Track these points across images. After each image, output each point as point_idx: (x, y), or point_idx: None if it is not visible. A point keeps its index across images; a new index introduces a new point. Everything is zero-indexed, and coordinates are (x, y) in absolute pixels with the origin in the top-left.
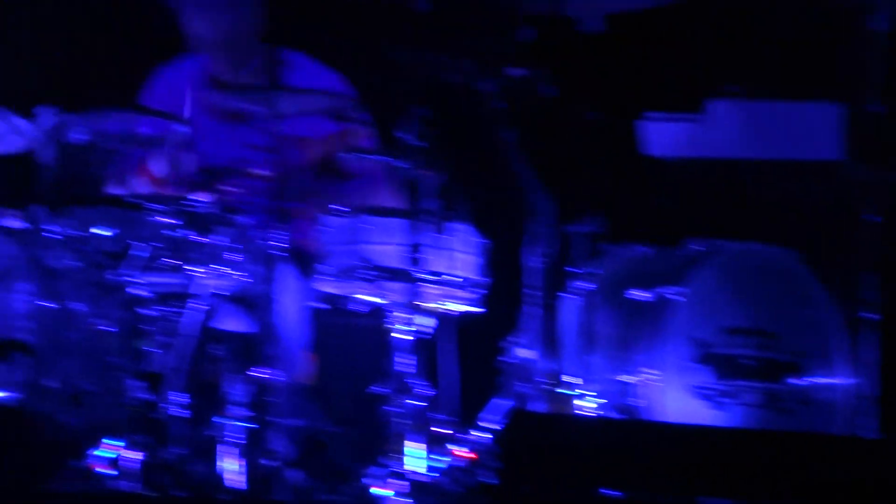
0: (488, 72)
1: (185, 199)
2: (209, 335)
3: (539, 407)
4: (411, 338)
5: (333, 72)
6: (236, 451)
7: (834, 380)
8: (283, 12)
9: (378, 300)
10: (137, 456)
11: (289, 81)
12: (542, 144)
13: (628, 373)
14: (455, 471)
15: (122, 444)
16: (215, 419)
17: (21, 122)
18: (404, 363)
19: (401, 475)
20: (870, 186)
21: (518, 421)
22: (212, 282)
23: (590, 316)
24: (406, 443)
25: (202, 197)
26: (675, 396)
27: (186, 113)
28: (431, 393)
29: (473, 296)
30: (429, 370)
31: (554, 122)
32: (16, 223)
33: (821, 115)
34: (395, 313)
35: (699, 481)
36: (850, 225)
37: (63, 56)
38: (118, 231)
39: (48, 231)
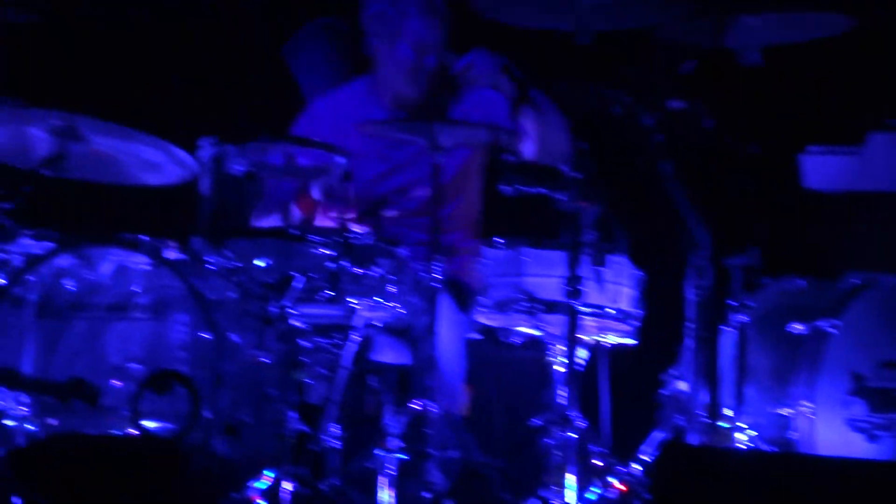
0: (648, 104)
1: (345, 230)
2: (366, 367)
3: (694, 439)
4: (567, 370)
5: (500, 99)
6: (392, 482)
7: None
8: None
9: (535, 332)
10: (293, 487)
11: (458, 109)
12: (701, 177)
13: (784, 405)
14: (609, 502)
15: (278, 475)
16: (371, 450)
17: (182, 154)
18: (560, 395)
19: None
20: None
21: (672, 453)
22: (370, 313)
23: (746, 348)
24: (561, 474)
25: (361, 228)
26: (830, 429)
27: (346, 143)
28: (586, 425)
29: (630, 328)
30: (584, 402)
31: (713, 155)
32: (175, 254)
33: None
34: (551, 345)
35: None
36: None
37: (223, 87)
38: (277, 262)
39: (207, 262)
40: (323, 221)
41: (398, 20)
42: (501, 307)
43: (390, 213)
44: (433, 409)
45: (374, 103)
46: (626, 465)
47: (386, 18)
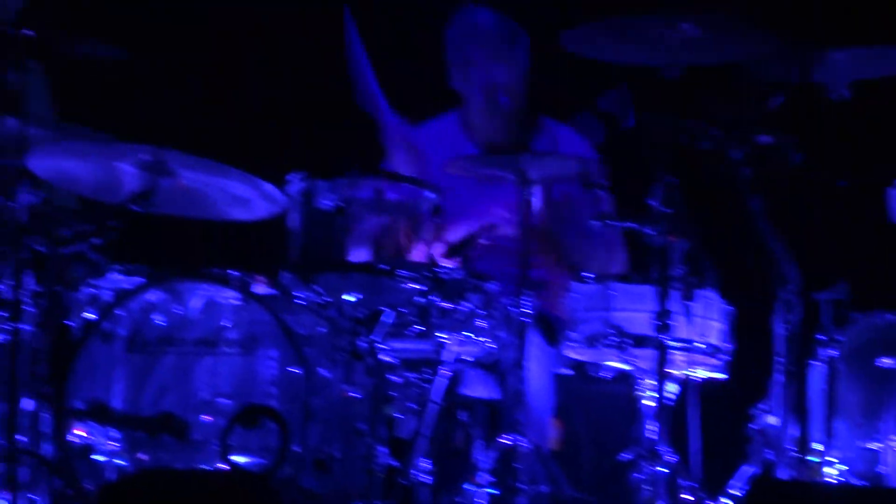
0: (737, 139)
1: (434, 264)
2: (456, 401)
3: (783, 474)
4: (657, 404)
5: (581, 136)
6: None
7: None
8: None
9: (624, 366)
10: None
11: (539, 145)
12: (790, 211)
13: (873, 440)
14: None
15: None
16: (461, 485)
17: (270, 189)
18: (649, 429)
19: None
20: None
21: (762, 487)
22: (459, 348)
23: (835, 383)
24: None
25: (451, 263)
26: None
27: (434, 178)
28: (676, 459)
29: (719, 362)
30: (674, 436)
31: (801, 189)
32: (265, 289)
33: None
34: (641, 380)
35: None
36: None
37: (313, 121)
38: (366, 297)
39: (297, 297)
40: (414, 255)
41: (467, 64)
42: (591, 341)
43: (479, 248)
44: (522, 443)
45: (465, 138)
46: (716, 500)
47: (457, 62)
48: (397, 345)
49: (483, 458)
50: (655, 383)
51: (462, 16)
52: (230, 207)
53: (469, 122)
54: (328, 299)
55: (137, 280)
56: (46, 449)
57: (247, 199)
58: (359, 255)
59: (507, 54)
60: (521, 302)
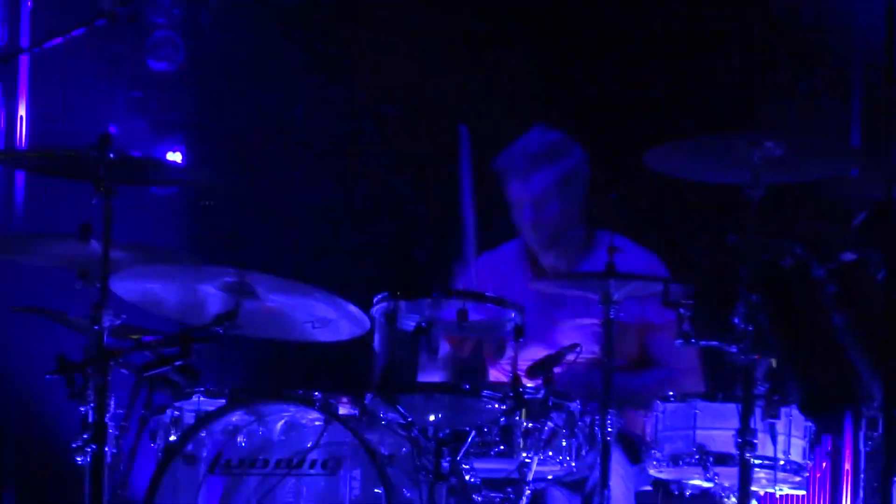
0: (820, 256)
1: (517, 384)
2: None
3: None
4: None
5: (652, 253)
6: None
7: None
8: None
9: (707, 484)
10: None
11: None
12: (873, 328)
13: None
14: None
15: None
16: None
17: (355, 311)
18: None
19: None
20: None
21: None
22: (542, 467)
23: None
24: None
25: (533, 382)
26: None
27: (510, 297)
28: None
29: (801, 479)
30: None
31: (885, 305)
32: (348, 409)
33: None
34: (724, 498)
35: None
36: None
37: (397, 242)
38: (449, 417)
39: (380, 417)
40: (497, 375)
41: (504, 181)
42: (674, 460)
43: (561, 367)
44: None
45: (524, 261)
46: None
47: (499, 179)
48: (480, 465)
49: None
50: (738, 501)
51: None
52: (314, 329)
53: (523, 247)
54: (411, 419)
55: (220, 402)
56: None
57: (331, 320)
58: (443, 374)
59: (537, 168)
60: (605, 421)
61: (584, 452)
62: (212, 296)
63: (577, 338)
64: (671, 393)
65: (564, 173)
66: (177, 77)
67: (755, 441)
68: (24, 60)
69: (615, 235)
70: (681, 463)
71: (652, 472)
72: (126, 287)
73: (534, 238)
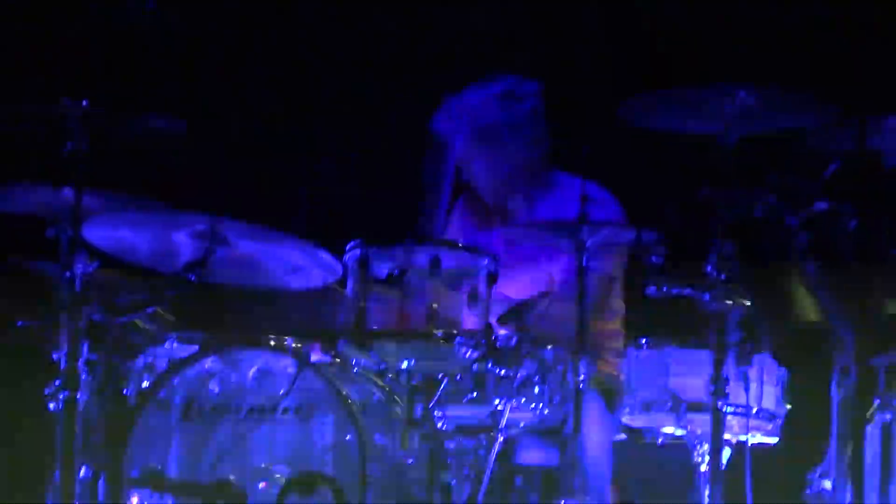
0: (793, 206)
1: (490, 331)
2: (512, 468)
3: None
4: (712, 469)
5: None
6: None
7: None
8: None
9: (680, 432)
10: None
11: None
12: (846, 277)
13: None
14: None
15: None
16: None
17: (326, 257)
18: (705, 494)
19: None
20: None
21: None
22: (515, 414)
23: (891, 447)
24: None
25: (506, 330)
26: None
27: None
28: None
29: (773, 427)
30: (729, 501)
31: (857, 255)
32: (320, 357)
33: None
34: (696, 445)
35: None
36: None
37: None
38: (422, 364)
39: (353, 364)
40: (469, 322)
41: (448, 141)
42: (647, 407)
43: (534, 314)
44: None
45: (471, 214)
46: None
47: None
48: (453, 411)
49: None
50: (711, 449)
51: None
52: (286, 276)
53: (469, 200)
54: (384, 366)
55: (193, 348)
56: None
57: (302, 267)
58: (415, 321)
59: (483, 116)
60: (578, 368)
61: (557, 400)
62: (184, 243)
63: (532, 284)
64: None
65: (487, 132)
66: None
67: (728, 389)
68: None
69: (579, 180)
70: (653, 410)
71: (625, 419)
72: (98, 234)
73: (489, 185)
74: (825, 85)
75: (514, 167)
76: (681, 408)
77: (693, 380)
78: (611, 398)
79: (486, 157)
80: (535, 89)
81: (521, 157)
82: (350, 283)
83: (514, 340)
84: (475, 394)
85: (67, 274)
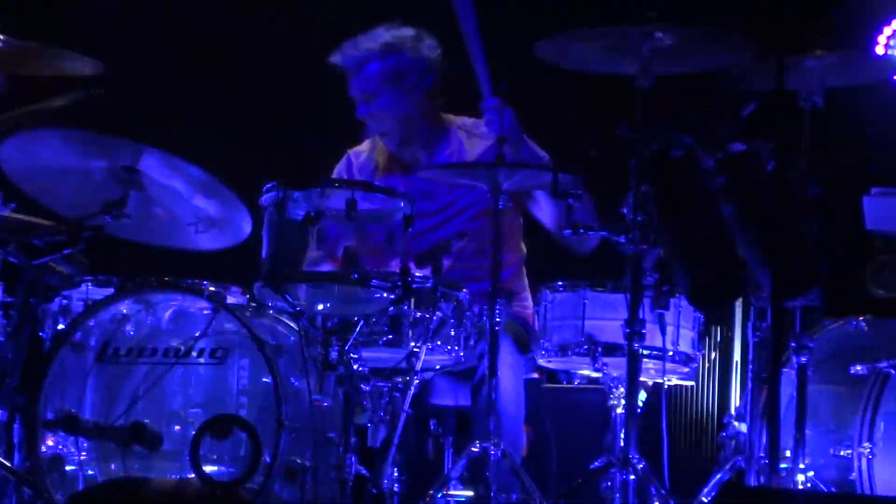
0: (709, 147)
1: (406, 274)
2: (426, 410)
3: (753, 481)
4: (627, 412)
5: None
6: None
7: None
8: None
9: (595, 374)
10: None
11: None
12: (763, 219)
13: (844, 447)
14: None
15: None
16: (432, 494)
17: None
18: (620, 437)
19: None
20: None
21: (731, 495)
22: (430, 357)
23: (806, 390)
24: None
25: (422, 272)
26: (889, 470)
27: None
28: (646, 466)
29: (690, 370)
30: (644, 444)
31: (774, 197)
32: (236, 299)
33: None
34: (612, 387)
35: None
36: None
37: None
38: (337, 306)
39: (269, 307)
40: (385, 265)
41: (351, 74)
42: (563, 350)
43: (450, 257)
44: (493, 451)
45: (375, 156)
46: None
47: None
48: (369, 354)
49: (453, 466)
50: (626, 391)
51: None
52: (197, 235)
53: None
54: (299, 309)
55: (108, 291)
56: (17, 460)
57: (215, 218)
58: (330, 264)
59: (366, 63)
60: (493, 310)
61: (472, 342)
62: (101, 187)
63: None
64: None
65: (395, 69)
66: None
67: (644, 331)
68: None
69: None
70: (569, 353)
71: (541, 361)
72: (15, 158)
73: (392, 126)
74: (742, 24)
75: (415, 109)
76: (597, 350)
77: (609, 322)
78: (523, 340)
79: (390, 94)
80: (435, 43)
81: (422, 103)
82: (266, 226)
83: (430, 283)
84: (391, 336)
85: None
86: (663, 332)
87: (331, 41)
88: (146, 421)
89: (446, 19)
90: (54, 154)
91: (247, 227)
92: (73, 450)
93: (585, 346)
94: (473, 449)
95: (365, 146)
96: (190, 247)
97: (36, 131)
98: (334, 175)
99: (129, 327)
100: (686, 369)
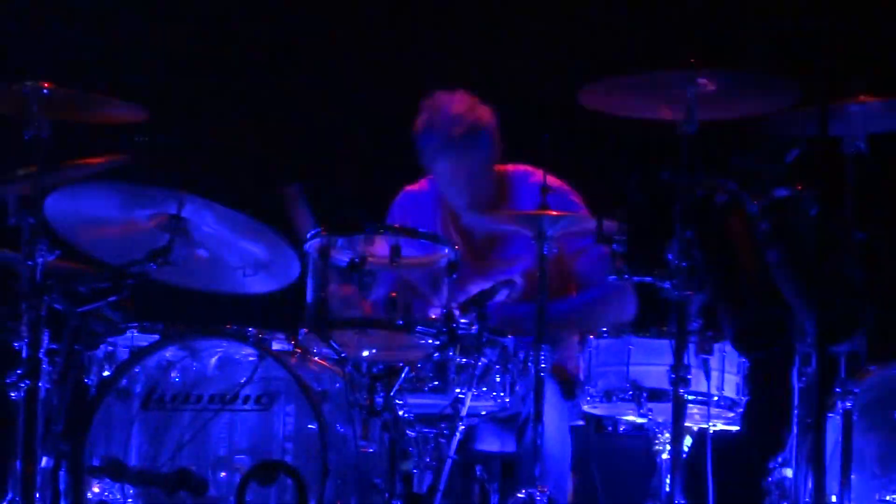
0: (754, 192)
1: (451, 320)
2: (472, 456)
3: None
4: (673, 457)
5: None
6: None
7: None
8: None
9: (640, 420)
10: None
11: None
12: (807, 264)
13: (890, 492)
14: None
15: None
16: None
17: (288, 251)
18: (666, 483)
19: None
20: None
21: None
22: (476, 402)
23: (851, 435)
24: None
25: (467, 318)
26: None
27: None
28: None
29: (735, 415)
30: (690, 490)
31: (819, 242)
32: (283, 345)
33: None
34: (657, 433)
35: None
36: None
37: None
38: (383, 353)
39: (314, 353)
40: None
41: (428, 159)
42: (608, 395)
43: (495, 303)
44: (539, 497)
45: (442, 203)
46: None
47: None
48: (414, 400)
49: None
50: (671, 437)
51: (427, 106)
52: (245, 279)
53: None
54: (345, 355)
55: (154, 338)
56: None
57: (264, 262)
58: (375, 311)
59: (460, 148)
60: (538, 356)
61: (517, 388)
62: (146, 234)
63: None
64: (606, 314)
65: (479, 148)
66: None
67: (689, 377)
68: None
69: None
70: (614, 399)
71: (585, 407)
72: (59, 209)
73: (453, 198)
74: (787, 70)
75: (472, 173)
76: (642, 396)
77: (654, 368)
78: (568, 386)
79: (469, 166)
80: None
81: (478, 165)
82: (311, 272)
83: (475, 328)
84: (436, 382)
85: (29, 263)
86: (708, 378)
87: (372, 82)
88: (192, 467)
89: None
90: (97, 206)
91: (295, 269)
92: (118, 496)
93: (630, 392)
94: (519, 495)
95: (421, 185)
96: (238, 290)
97: (78, 186)
98: (389, 214)
99: (174, 374)
100: (731, 414)
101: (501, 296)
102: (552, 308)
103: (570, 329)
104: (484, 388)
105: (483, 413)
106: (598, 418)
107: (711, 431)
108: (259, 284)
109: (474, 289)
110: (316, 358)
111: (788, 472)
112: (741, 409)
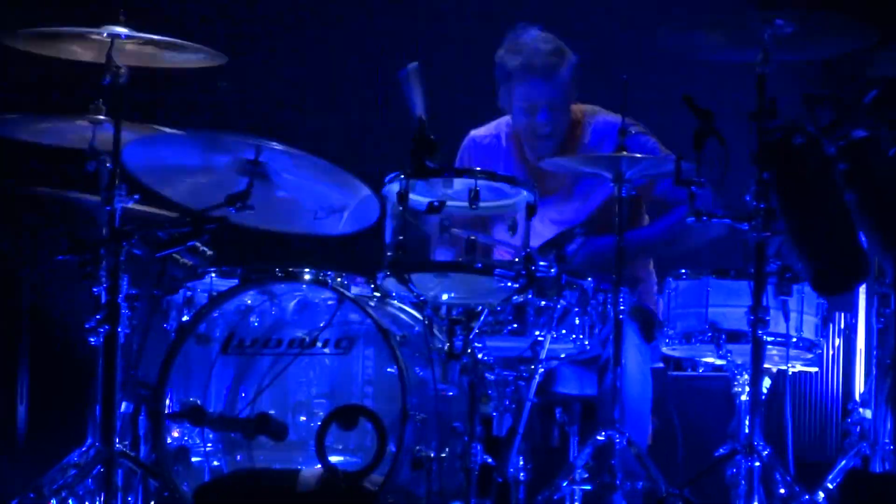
0: (831, 134)
1: (530, 263)
2: (552, 398)
3: (878, 467)
4: (752, 398)
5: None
6: None
7: None
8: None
9: (719, 362)
10: None
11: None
12: (885, 205)
13: None
14: None
15: None
16: (557, 482)
17: (367, 193)
18: (745, 424)
19: None
20: None
21: (856, 481)
22: (555, 345)
23: None
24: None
25: (546, 261)
26: None
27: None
28: (771, 453)
29: (813, 356)
30: (769, 431)
31: None
32: (362, 289)
33: None
34: (736, 374)
35: None
36: None
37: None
38: (462, 296)
39: (393, 297)
40: (510, 254)
41: (509, 84)
42: (687, 337)
43: (573, 246)
44: (618, 439)
45: (514, 144)
46: (812, 494)
47: (502, 80)
48: (493, 343)
49: (579, 454)
50: (750, 378)
51: (511, 35)
52: (317, 220)
53: (515, 135)
54: (424, 298)
55: (232, 282)
56: (143, 451)
57: (339, 207)
58: (455, 253)
59: (541, 74)
60: (617, 298)
61: (596, 330)
62: (224, 178)
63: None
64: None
65: (568, 78)
66: None
67: (767, 318)
68: None
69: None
70: (693, 340)
71: (664, 349)
72: (139, 156)
73: (527, 137)
74: (864, 11)
75: (553, 100)
76: (721, 338)
77: (733, 310)
78: (648, 328)
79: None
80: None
81: (559, 92)
82: (389, 216)
83: (553, 271)
84: (515, 325)
85: (108, 208)
86: (787, 319)
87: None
88: (271, 412)
89: None
90: (176, 153)
91: (375, 212)
92: (198, 441)
93: (709, 334)
94: (599, 437)
95: (489, 129)
96: (315, 232)
97: (156, 135)
98: (458, 158)
99: (253, 318)
100: (810, 356)
101: (578, 239)
102: (633, 235)
103: (653, 254)
104: (563, 331)
105: (562, 356)
106: (678, 360)
107: (790, 373)
108: (334, 226)
109: (547, 231)
110: (395, 301)
111: (868, 413)
112: (820, 351)
